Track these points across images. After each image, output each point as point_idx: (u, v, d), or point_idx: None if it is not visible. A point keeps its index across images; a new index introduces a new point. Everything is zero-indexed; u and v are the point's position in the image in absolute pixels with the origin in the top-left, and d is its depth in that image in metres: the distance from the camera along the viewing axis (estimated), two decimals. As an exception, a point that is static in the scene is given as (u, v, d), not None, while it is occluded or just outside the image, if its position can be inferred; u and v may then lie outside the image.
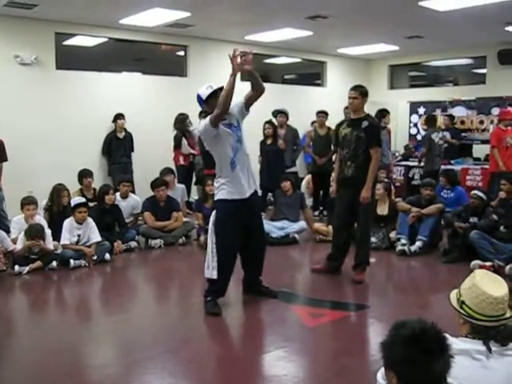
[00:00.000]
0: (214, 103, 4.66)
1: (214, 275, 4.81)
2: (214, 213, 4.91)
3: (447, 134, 10.68)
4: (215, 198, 4.95)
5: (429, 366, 1.78)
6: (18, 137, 8.44)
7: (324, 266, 6.20)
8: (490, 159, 9.33)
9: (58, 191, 7.19)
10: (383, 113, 9.59)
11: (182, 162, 9.48)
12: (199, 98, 4.85)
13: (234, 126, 4.79)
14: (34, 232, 6.39)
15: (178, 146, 9.52)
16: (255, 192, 4.96)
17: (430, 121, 10.02)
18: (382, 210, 7.59)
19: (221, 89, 4.67)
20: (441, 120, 11.37)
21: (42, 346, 4.29)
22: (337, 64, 13.53)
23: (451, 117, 11.28)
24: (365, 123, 5.71)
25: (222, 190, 4.79)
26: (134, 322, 4.88)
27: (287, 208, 8.02)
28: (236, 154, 4.74)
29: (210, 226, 4.88)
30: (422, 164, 9.93)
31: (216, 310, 4.83)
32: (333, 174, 6.30)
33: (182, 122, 9.41)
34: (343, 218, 6.01)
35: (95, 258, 6.66)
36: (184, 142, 9.45)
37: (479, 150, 11.56)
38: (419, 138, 11.98)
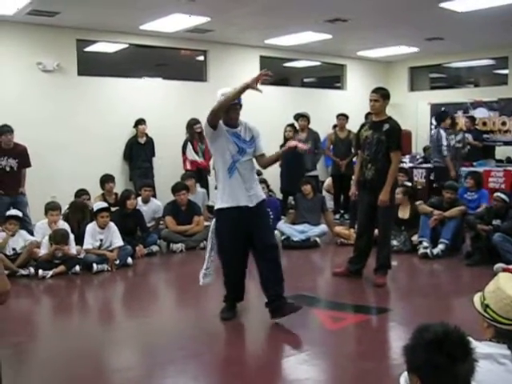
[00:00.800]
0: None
1: (201, 281, 4.91)
2: (213, 221, 4.91)
3: (469, 136, 10.59)
4: (215, 208, 4.90)
5: (452, 370, 1.76)
6: (41, 143, 8.54)
7: (345, 269, 6.18)
8: None
9: (75, 209, 7.28)
10: (443, 116, 9.71)
11: (188, 166, 9.38)
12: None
13: (244, 139, 4.66)
14: (58, 237, 6.47)
15: (184, 150, 9.50)
16: (258, 205, 4.71)
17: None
18: (404, 213, 7.55)
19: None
20: (462, 122, 11.28)
21: (66, 349, 4.33)
22: (356, 67, 13.48)
23: (472, 118, 11.18)
24: (386, 126, 5.69)
25: (218, 200, 4.74)
26: (155, 325, 4.91)
27: (308, 212, 8.02)
28: (234, 164, 4.60)
29: (209, 234, 4.90)
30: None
31: (226, 316, 4.86)
32: (353, 177, 6.29)
33: (191, 126, 9.40)
34: (364, 221, 6.00)
35: (117, 262, 6.72)
36: (189, 146, 9.43)
37: (501, 152, 11.44)
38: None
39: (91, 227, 6.80)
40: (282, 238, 7.70)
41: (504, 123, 11.20)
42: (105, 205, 7.01)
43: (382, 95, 5.74)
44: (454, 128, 9.87)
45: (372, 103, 5.76)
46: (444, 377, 1.77)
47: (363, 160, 5.88)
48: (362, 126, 6.06)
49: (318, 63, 13.14)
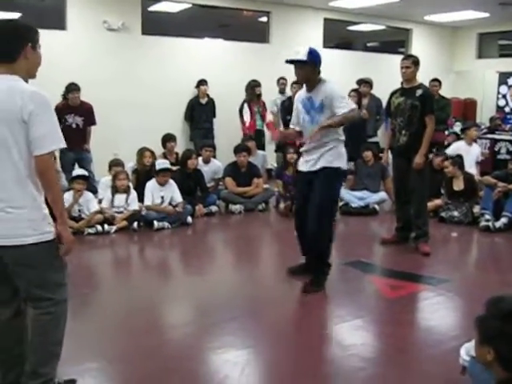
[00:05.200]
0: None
1: None
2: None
3: None
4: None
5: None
6: (105, 101, 8.67)
7: (393, 236, 6.23)
8: None
9: (141, 152, 7.46)
10: None
11: (246, 130, 9.38)
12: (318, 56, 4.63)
13: (314, 106, 4.68)
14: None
15: (241, 112, 9.45)
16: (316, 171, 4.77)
17: None
18: (458, 185, 7.38)
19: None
20: None
21: (124, 303, 4.49)
22: (422, 32, 13.08)
23: None
24: (419, 91, 5.71)
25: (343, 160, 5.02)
26: (213, 284, 5.02)
27: (368, 178, 7.94)
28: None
29: None
30: None
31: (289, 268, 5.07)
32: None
33: (251, 88, 9.40)
34: (401, 187, 6.02)
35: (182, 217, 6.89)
36: (246, 108, 9.38)
37: None
38: (507, 110, 11.53)
39: (151, 184, 6.93)
40: (341, 203, 7.62)
41: None
42: (167, 165, 7.09)
43: (413, 62, 5.78)
44: None
45: (404, 70, 5.79)
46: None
47: (396, 126, 5.87)
48: (393, 93, 6.05)
49: (382, 27, 12.81)
